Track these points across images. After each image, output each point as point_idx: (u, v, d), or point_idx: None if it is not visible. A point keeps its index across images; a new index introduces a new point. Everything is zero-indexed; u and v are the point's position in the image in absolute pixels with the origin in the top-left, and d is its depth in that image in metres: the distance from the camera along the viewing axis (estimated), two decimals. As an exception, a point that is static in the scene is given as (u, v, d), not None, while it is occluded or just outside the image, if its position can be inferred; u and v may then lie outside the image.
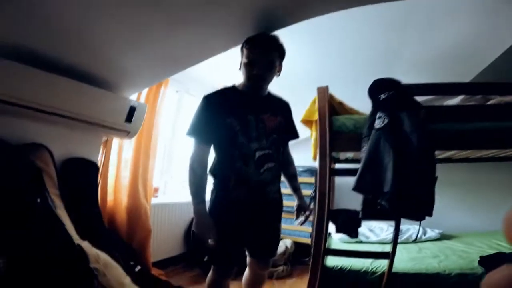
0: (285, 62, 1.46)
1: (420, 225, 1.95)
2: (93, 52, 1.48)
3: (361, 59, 2.45)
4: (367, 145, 1.71)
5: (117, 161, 2.13)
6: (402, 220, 1.90)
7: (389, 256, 1.87)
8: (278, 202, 1.54)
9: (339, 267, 2.06)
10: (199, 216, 1.32)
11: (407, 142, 1.60)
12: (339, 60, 2.45)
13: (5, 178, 1.27)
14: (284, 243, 2.96)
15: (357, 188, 1.72)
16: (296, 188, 1.68)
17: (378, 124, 1.68)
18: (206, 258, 1.49)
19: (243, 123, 1.37)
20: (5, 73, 1.30)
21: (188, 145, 1.48)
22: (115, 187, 2.14)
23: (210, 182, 1.44)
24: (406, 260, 2.04)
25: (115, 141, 2.14)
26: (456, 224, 3.09)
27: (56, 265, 1.20)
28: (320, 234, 1.95)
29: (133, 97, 2.01)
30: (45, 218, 1.32)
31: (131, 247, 1.92)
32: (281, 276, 2.81)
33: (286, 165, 1.64)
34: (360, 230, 2.80)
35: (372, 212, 1.81)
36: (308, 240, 3.21)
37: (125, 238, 1.97)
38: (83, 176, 1.82)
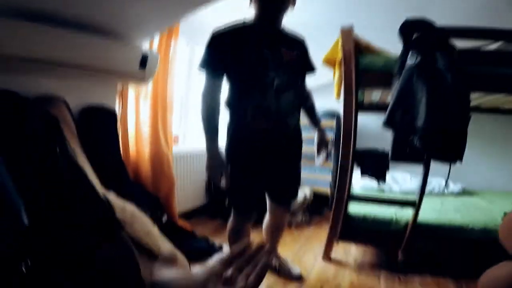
0: (304, 10, 1.36)
1: (449, 173, 1.84)
2: (99, 4, 1.38)
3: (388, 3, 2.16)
4: (398, 81, 1.59)
5: (135, 112, 2.08)
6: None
7: (416, 204, 1.83)
8: (298, 135, 1.48)
9: (362, 216, 2.03)
10: (211, 154, 1.30)
11: (441, 79, 1.49)
12: (364, 6, 2.17)
13: (21, 128, 1.21)
14: (303, 192, 2.93)
15: (388, 122, 1.62)
16: (316, 121, 1.60)
17: (410, 61, 1.56)
18: (226, 203, 1.49)
19: (258, 56, 1.29)
20: (15, 32, 1.24)
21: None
22: (136, 138, 2.11)
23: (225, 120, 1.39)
24: (429, 212, 1.98)
25: (132, 93, 2.07)
26: (479, 181, 2.95)
27: (81, 216, 1.18)
28: (344, 177, 1.91)
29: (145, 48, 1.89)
30: (67, 168, 1.27)
31: (157, 198, 1.91)
32: (299, 225, 2.84)
33: (304, 98, 1.55)
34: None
35: (403, 152, 1.73)
36: (327, 189, 3.18)
37: (150, 188, 1.97)
38: (102, 124, 1.75)
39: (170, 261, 0.49)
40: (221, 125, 1.37)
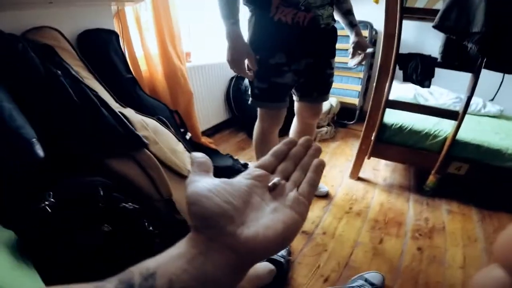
0: None
1: (500, 85, 1.64)
2: None
3: None
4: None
5: (138, 32, 1.88)
6: (462, 89, 1.68)
7: (458, 116, 1.66)
8: (331, 30, 1.28)
9: (398, 125, 1.87)
10: (233, 39, 1.13)
11: None
12: None
13: (14, 63, 1.05)
14: (329, 102, 2.74)
15: (439, 25, 1.45)
16: (352, 23, 1.38)
17: None
18: (250, 101, 1.36)
19: None
20: None
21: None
22: (145, 57, 1.94)
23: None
24: (467, 130, 1.79)
25: (131, 15, 1.84)
26: None
27: (97, 135, 1.09)
28: (383, 81, 1.72)
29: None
30: (74, 88, 1.14)
31: (178, 113, 1.80)
32: (324, 138, 2.73)
33: (340, 1, 1.33)
34: (418, 91, 2.53)
35: (454, 57, 1.59)
36: (355, 101, 2.97)
37: (170, 106, 1.85)
38: (104, 44, 1.60)
39: (205, 167, 0.33)
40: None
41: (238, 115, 2.81)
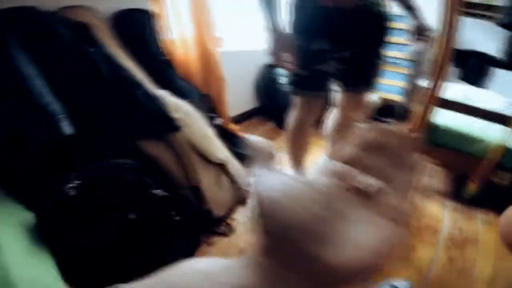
0: None
1: None
2: None
3: None
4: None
5: (174, 14, 1.83)
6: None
7: (510, 122, 1.51)
8: (383, 16, 1.17)
9: (446, 127, 1.75)
10: (274, 32, 1.06)
11: None
12: None
13: (47, 40, 1.03)
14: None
15: (505, 22, 1.37)
16: (409, 6, 1.23)
17: None
18: (288, 87, 1.29)
19: None
20: None
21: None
22: (181, 40, 1.90)
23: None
24: None
25: None
26: None
27: (131, 120, 1.05)
28: (436, 78, 1.57)
29: None
30: (107, 67, 1.11)
31: (209, 97, 1.76)
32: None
33: None
34: (467, 92, 2.34)
35: None
36: (398, 97, 2.77)
37: (202, 90, 1.81)
38: (139, 25, 1.57)
39: (269, 155, 0.27)
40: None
41: (268, 103, 2.73)
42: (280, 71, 2.36)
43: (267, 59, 2.61)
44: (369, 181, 0.24)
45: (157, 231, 0.97)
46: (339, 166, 0.26)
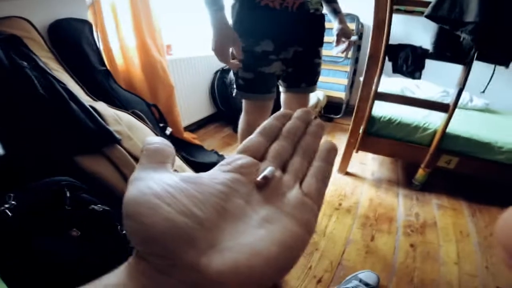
0: None
1: (492, 76, 1.62)
2: None
3: None
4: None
5: (115, 23, 1.76)
6: (449, 84, 1.70)
7: (449, 109, 1.62)
8: (320, 16, 1.20)
9: (387, 118, 1.82)
10: (218, 26, 1.03)
11: None
12: None
13: None
14: (316, 95, 2.67)
15: (432, 14, 1.40)
16: (336, 10, 1.30)
17: None
18: (234, 93, 1.26)
19: None
20: None
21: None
22: (122, 50, 1.81)
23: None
24: (456, 123, 1.74)
25: (106, 4, 1.71)
26: (503, 100, 2.58)
27: (66, 136, 0.98)
28: (372, 72, 1.66)
29: None
30: (41, 81, 1.03)
31: (156, 107, 1.69)
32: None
33: None
34: (405, 84, 2.49)
35: (446, 47, 1.53)
36: (341, 94, 2.92)
37: (149, 100, 1.74)
38: (76, 35, 1.48)
39: (160, 156, 0.21)
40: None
41: (223, 109, 2.71)
42: (233, 76, 2.35)
43: (220, 64, 2.61)
44: (266, 172, 0.22)
45: (104, 246, 0.92)
46: (240, 157, 0.23)
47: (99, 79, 1.48)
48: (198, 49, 2.47)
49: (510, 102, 2.61)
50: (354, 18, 2.70)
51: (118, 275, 0.17)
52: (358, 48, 2.88)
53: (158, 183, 0.18)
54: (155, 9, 1.87)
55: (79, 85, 1.27)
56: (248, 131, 1.34)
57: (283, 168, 0.23)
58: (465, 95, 2.39)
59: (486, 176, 1.77)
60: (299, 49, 1.19)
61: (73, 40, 1.45)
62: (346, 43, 1.29)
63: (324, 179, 0.23)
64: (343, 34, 1.29)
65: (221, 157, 1.99)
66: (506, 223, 0.45)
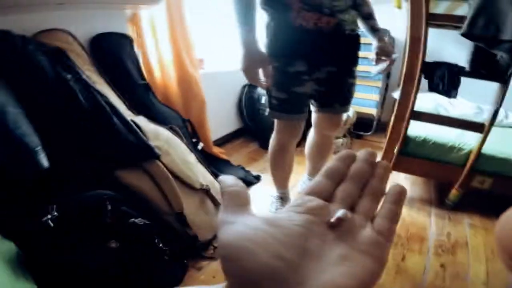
0: None
1: None
2: None
3: None
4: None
5: (153, 37, 1.83)
6: (482, 100, 1.68)
7: (484, 129, 1.56)
8: (356, 36, 1.20)
9: (422, 138, 1.77)
10: (248, 47, 1.05)
11: None
12: None
13: (23, 66, 1.00)
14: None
15: (468, 33, 1.38)
16: (374, 28, 1.28)
17: None
18: (267, 112, 1.27)
19: None
20: None
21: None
22: (159, 63, 1.89)
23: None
24: (491, 142, 1.67)
25: (147, 23, 1.80)
26: None
27: (108, 150, 1.01)
28: (408, 90, 1.62)
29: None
30: (84, 94, 1.07)
31: (190, 122, 1.72)
32: (340, 151, 2.61)
33: (361, 4, 1.23)
34: (439, 101, 2.43)
35: (482, 65, 1.51)
36: (372, 111, 2.86)
37: (182, 114, 1.78)
38: (117, 49, 1.55)
39: (241, 199, 0.23)
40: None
41: (250, 124, 2.72)
42: (261, 91, 2.37)
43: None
44: (340, 214, 0.23)
45: (141, 259, 0.94)
46: (310, 199, 0.24)
47: (140, 93, 1.53)
48: (228, 63, 2.52)
49: None
50: (385, 32, 2.67)
51: None
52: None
53: (249, 226, 0.20)
54: (191, 25, 1.93)
55: (120, 99, 1.31)
56: (279, 151, 1.35)
57: (352, 209, 0.25)
58: (500, 111, 2.29)
59: None
60: (333, 69, 1.19)
61: (114, 54, 1.52)
62: (387, 61, 1.26)
63: (394, 218, 0.24)
64: (383, 52, 1.27)
65: (248, 173, 1.99)
66: (505, 224, 0.44)
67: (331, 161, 0.27)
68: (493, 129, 2.07)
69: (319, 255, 0.20)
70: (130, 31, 1.69)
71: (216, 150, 2.18)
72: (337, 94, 1.28)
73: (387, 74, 2.83)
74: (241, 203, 0.22)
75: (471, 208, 1.83)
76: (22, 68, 1.02)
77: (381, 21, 2.58)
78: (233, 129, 2.75)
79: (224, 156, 2.18)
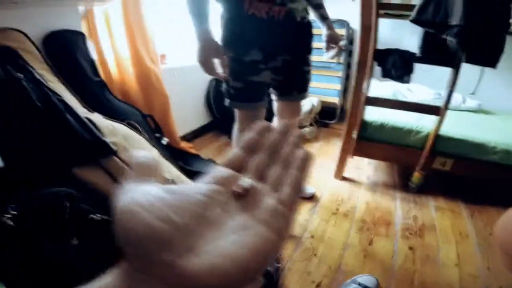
0: None
1: (480, 77, 1.71)
2: None
3: None
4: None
5: (108, 33, 1.78)
6: (442, 87, 1.68)
7: (440, 112, 1.64)
8: (307, 24, 1.23)
9: (379, 123, 1.84)
10: (202, 38, 1.07)
11: None
12: None
13: None
14: (310, 101, 2.70)
15: (417, 19, 1.44)
16: (324, 17, 1.33)
17: None
18: (227, 102, 1.28)
19: None
20: None
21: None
22: (116, 60, 1.83)
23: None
24: (449, 125, 1.77)
25: (101, 18, 1.74)
26: (495, 100, 2.64)
27: (64, 148, 0.99)
28: (361, 77, 1.69)
29: None
30: (37, 93, 1.04)
31: (152, 117, 1.70)
32: (306, 140, 2.68)
33: None
34: (397, 88, 2.53)
35: (433, 51, 1.58)
36: (335, 100, 2.96)
37: (144, 110, 1.74)
38: (70, 46, 1.50)
39: (147, 170, 0.24)
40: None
41: (219, 118, 2.72)
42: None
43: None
44: (245, 182, 0.23)
45: (103, 254, 0.93)
46: (221, 170, 0.25)
47: (94, 90, 1.49)
48: (193, 58, 2.48)
49: (503, 103, 2.67)
50: (344, 23, 2.75)
51: (110, 277, 0.19)
52: (350, 53, 2.92)
53: (142, 194, 0.20)
54: (148, 19, 1.89)
55: (74, 96, 1.27)
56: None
57: (262, 179, 0.25)
58: (458, 97, 2.42)
59: (482, 177, 1.80)
60: (288, 58, 1.22)
61: (67, 51, 1.47)
62: (336, 48, 1.32)
63: (296, 186, 0.24)
64: (332, 39, 1.33)
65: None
66: (505, 225, 0.45)
67: (247, 133, 0.28)
68: (452, 113, 2.19)
69: (219, 223, 0.20)
70: (84, 28, 1.63)
71: (184, 145, 2.16)
72: (294, 82, 1.31)
73: (347, 64, 2.92)
74: (148, 174, 0.23)
75: (436, 190, 1.92)
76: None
77: (340, 13, 2.68)
78: (203, 123, 2.74)
79: (193, 151, 2.17)
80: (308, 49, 1.29)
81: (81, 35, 1.56)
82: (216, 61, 1.13)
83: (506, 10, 1.35)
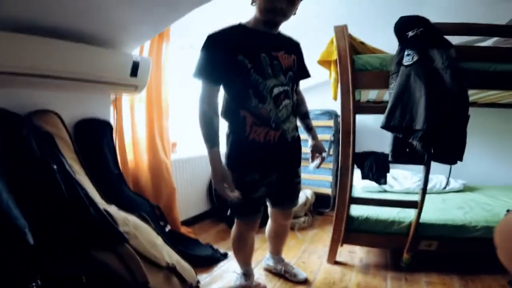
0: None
1: (450, 171, 1.98)
2: (89, 12, 1.35)
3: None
4: (395, 81, 1.59)
5: (131, 120, 2.07)
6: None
7: (417, 205, 1.82)
8: (296, 140, 1.46)
9: (364, 217, 2.00)
10: (213, 164, 1.24)
11: (438, 79, 1.49)
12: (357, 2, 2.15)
13: (15, 147, 1.19)
14: (305, 194, 2.92)
15: (386, 125, 1.62)
16: (309, 127, 1.59)
17: (407, 61, 1.56)
18: (229, 212, 1.47)
19: (255, 60, 1.24)
20: (6, 44, 1.20)
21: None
22: (133, 146, 2.09)
23: (224, 126, 1.37)
24: (431, 210, 1.96)
25: (126, 101, 2.05)
26: (479, 176, 2.91)
27: (85, 234, 1.18)
28: (345, 180, 1.89)
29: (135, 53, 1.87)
30: (66, 185, 1.26)
31: (158, 208, 1.90)
32: (303, 227, 2.82)
33: (298, 104, 1.52)
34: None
35: (403, 154, 1.74)
36: (328, 190, 3.17)
37: (151, 199, 1.96)
38: (98, 136, 1.76)
39: None
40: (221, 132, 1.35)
41: (219, 206, 2.85)
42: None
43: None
44: None
45: None
46: None
47: (113, 183, 1.73)
48: (200, 147, 2.76)
49: (487, 176, 2.88)
50: (332, 114, 3.02)
51: None
52: (339, 143, 3.19)
53: None
54: (168, 112, 2.15)
55: (96, 189, 1.50)
56: (240, 239, 1.56)
57: None
58: (442, 179, 2.62)
59: (469, 251, 1.89)
60: (280, 173, 1.44)
61: (95, 142, 1.71)
62: (320, 158, 1.56)
63: None
64: (317, 149, 1.57)
65: (216, 251, 2.10)
66: (505, 227, 0.50)
67: None
68: (435, 196, 2.35)
69: None
70: (111, 112, 1.88)
71: (184, 230, 2.31)
72: (285, 194, 1.52)
73: (337, 156, 3.17)
74: None
75: (428, 266, 1.96)
76: (15, 151, 1.16)
77: (329, 104, 2.97)
78: (203, 210, 2.89)
79: (193, 235, 2.30)
80: (298, 163, 1.51)
81: (109, 126, 1.83)
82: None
83: (463, 105, 1.48)
